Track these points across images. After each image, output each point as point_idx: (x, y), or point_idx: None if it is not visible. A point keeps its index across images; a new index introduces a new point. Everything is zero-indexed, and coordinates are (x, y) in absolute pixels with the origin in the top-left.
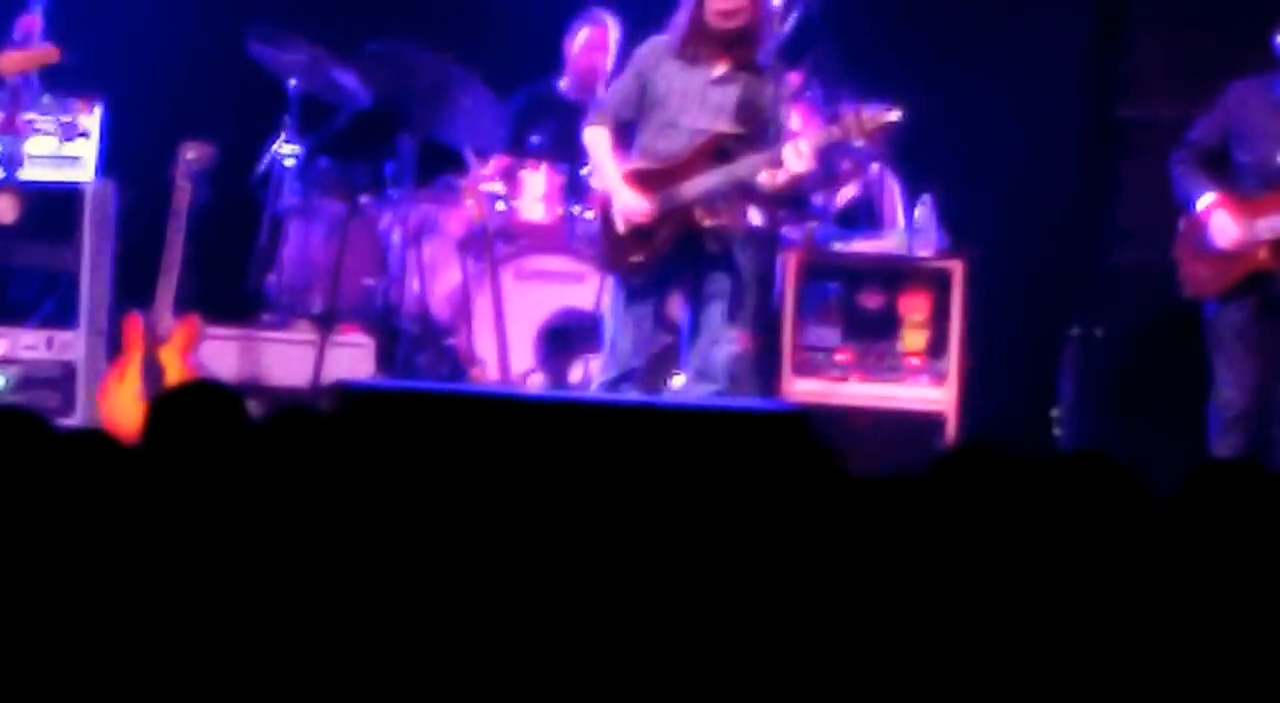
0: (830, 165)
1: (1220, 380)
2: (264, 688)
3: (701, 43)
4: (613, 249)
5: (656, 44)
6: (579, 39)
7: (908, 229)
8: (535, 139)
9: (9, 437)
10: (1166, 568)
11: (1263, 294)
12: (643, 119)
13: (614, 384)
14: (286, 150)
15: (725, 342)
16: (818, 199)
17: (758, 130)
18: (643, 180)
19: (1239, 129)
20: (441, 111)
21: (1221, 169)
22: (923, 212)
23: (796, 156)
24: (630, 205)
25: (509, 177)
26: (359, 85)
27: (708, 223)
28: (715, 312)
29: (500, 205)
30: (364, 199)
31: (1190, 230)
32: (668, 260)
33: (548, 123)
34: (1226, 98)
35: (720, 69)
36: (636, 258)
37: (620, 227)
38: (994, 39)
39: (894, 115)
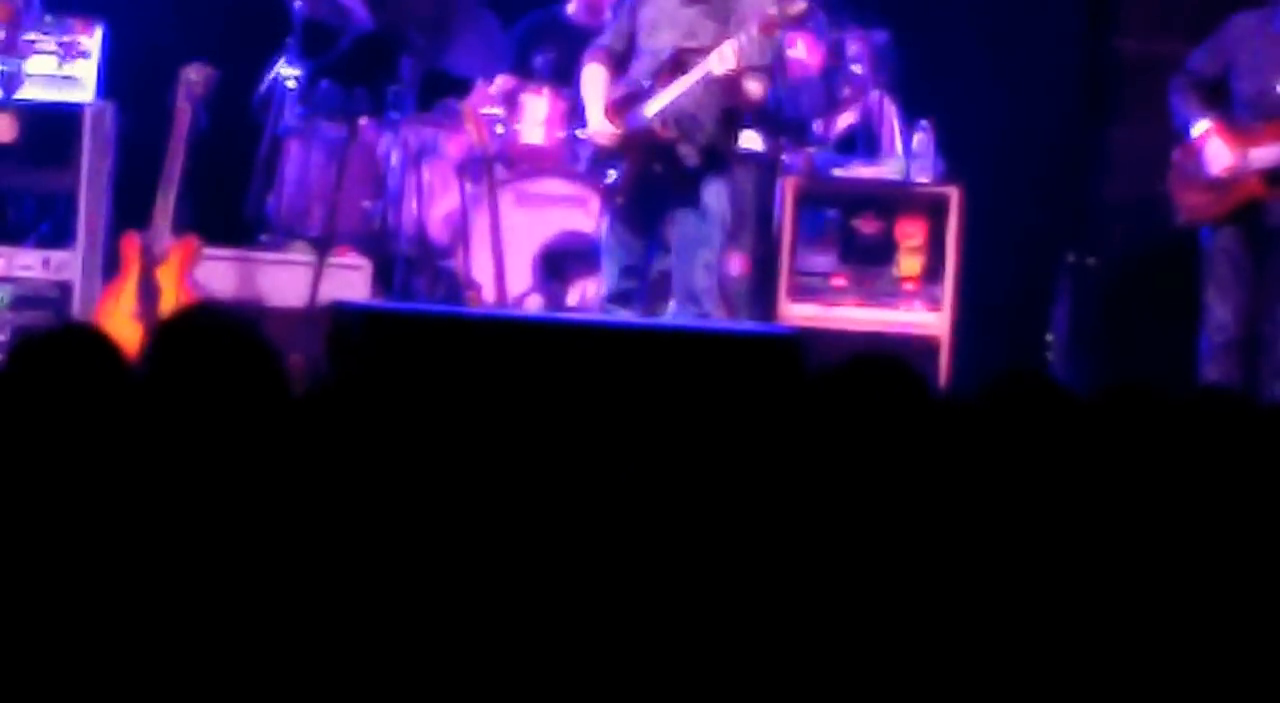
0: (830, 91)
1: (1211, 306)
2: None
3: None
4: (591, 176)
5: None
6: None
7: (905, 156)
8: (539, 63)
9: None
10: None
11: (1255, 223)
12: (636, 50)
13: (606, 306)
14: (288, 73)
15: (701, 261)
16: (816, 126)
17: (722, 42)
18: (619, 106)
19: (1238, 59)
20: (444, 36)
21: (1219, 98)
22: (921, 138)
23: (719, 60)
24: (597, 130)
25: (510, 100)
26: (362, 8)
27: (668, 137)
28: (689, 231)
29: (500, 129)
30: (364, 122)
31: (1185, 157)
32: (646, 182)
33: (552, 47)
34: (1227, 28)
35: None
36: (611, 180)
37: (594, 153)
38: None
39: (800, 6)
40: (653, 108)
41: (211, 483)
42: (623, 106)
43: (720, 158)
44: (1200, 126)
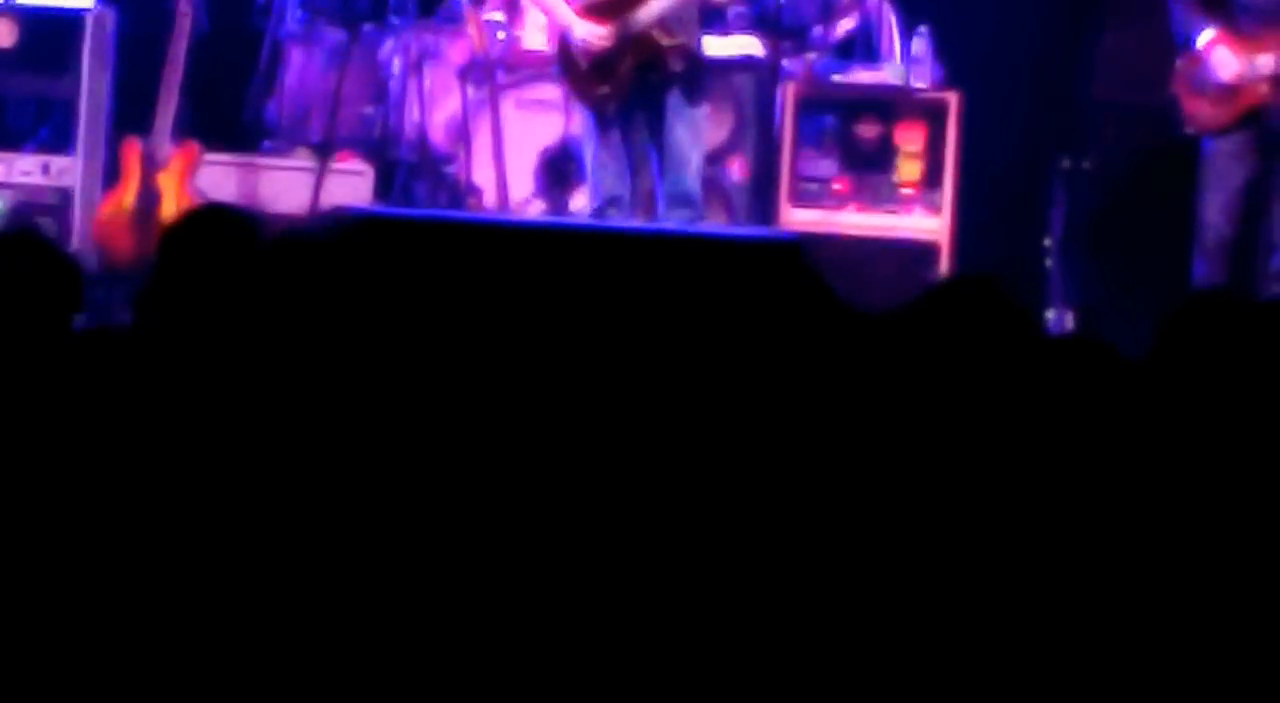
0: None
1: (1205, 206)
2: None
3: None
4: (578, 85)
5: None
6: None
7: (904, 61)
8: None
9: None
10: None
11: (1260, 127)
12: None
13: (598, 213)
14: None
15: (694, 165)
16: (816, 31)
17: None
18: (597, 11)
19: None
20: None
21: (1218, 5)
22: (919, 44)
23: None
24: (587, 34)
25: (511, 5)
26: None
27: (666, 43)
28: (681, 135)
29: (502, 34)
30: (366, 27)
31: (1190, 66)
32: (635, 88)
33: None
34: None
35: None
36: (603, 90)
37: (582, 61)
38: None
39: None
40: (650, 12)
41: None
42: (604, 12)
43: (698, 61)
44: (1206, 35)
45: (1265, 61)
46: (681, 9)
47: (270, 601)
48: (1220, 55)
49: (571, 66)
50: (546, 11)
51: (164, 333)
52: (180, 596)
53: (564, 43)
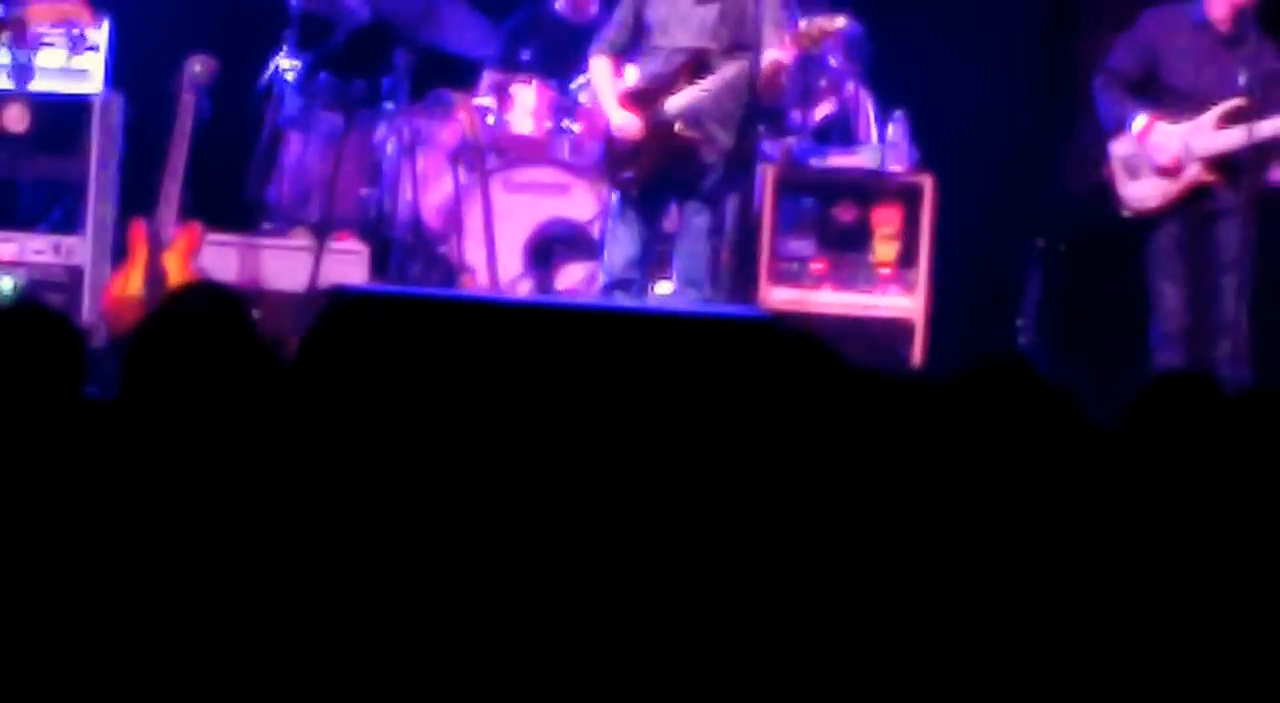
0: (807, 83)
1: (1161, 296)
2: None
3: None
4: (609, 166)
5: None
6: None
7: (881, 145)
8: (527, 55)
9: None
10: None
11: (1200, 209)
12: (639, 46)
13: (606, 292)
14: (287, 65)
15: (712, 254)
16: (795, 116)
17: (740, 44)
18: (634, 100)
19: (1164, 53)
20: (434, 28)
21: (1143, 94)
22: (895, 128)
23: (772, 55)
24: (620, 123)
25: (500, 91)
26: (358, 2)
27: (688, 136)
28: (698, 222)
29: (491, 119)
30: (361, 112)
31: (1125, 153)
32: (658, 174)
33: (540, 40)
34: (1144, 25)
35: None
36: (627, 173)
37: (614, 146)
38: None
39: (840, 22)
40: (675, 106)
41: (201, 465)
42: (640, 101)
43: (738, 158)
44: (1140, 121)
45: (1200, 143)
46: (712, 104)
47: (246, 675)
48: (1158, 139)
49: (608, 149)
50: (595, 95)
51: (148, 404)
52: (164, 661)
53: (605, 128)
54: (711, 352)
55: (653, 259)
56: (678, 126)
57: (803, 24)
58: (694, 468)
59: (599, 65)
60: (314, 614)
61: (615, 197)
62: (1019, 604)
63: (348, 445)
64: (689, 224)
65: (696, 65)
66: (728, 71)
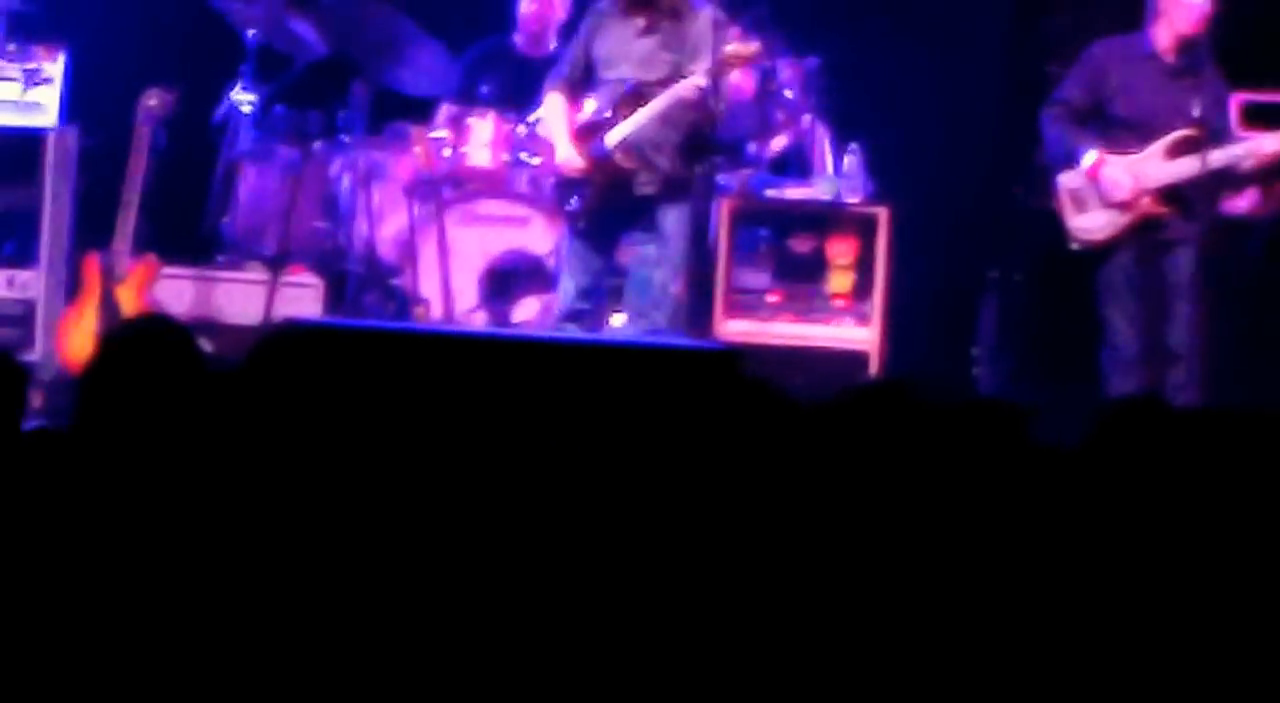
0: (764, 116)
1: (1113, 326)
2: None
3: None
4: (559, 199)
5: (597, 8)
6: None
7: (836, 177)
8: (485, 88)
9: None
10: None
11: (1152, 239)
12: (592, 79)
13: (559, 325)
14: (243, 98)
15: (660, 282)
16: (751, 148)
17: (681, 73)
18: (582, 134)
19: (1113, 86)
20: (391, 62)
21: (1091, 125)
22: (851, 160)
23: (691, 82)
24: (565, 157)
25: (457, 124)
26: (315, 36)
27: (627, 165)
28: (648, 254)
29: (447, 152)
30: (317, 146)
31: (1074, 186)
32: (607, 207)
33: (497, 74)
34: (1092, 57)
35: (643, 21)
36: (575, 205)
37: (560, 177)
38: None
39: (754, 48)
40: (613, 137)
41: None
42: (585, 136)
43: (678, 185)
44: (1091, 156)
45: (1151, 175)
46: (649, 133)
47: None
48: (1110, 174)
49: (558, 182)
50: (549, 131)
51: (99, 435)
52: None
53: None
54: (667, 383)
55: (606, 291)
56: (617, 157)
57: (725, 49)
58: (647, 497)
59: (552, 100)
60: (260, 639)
61: (566, 229)
62: (965, 623)
63: (299, 477)
64: (638, 256)
65: (636, 97)
66: (661, 100)
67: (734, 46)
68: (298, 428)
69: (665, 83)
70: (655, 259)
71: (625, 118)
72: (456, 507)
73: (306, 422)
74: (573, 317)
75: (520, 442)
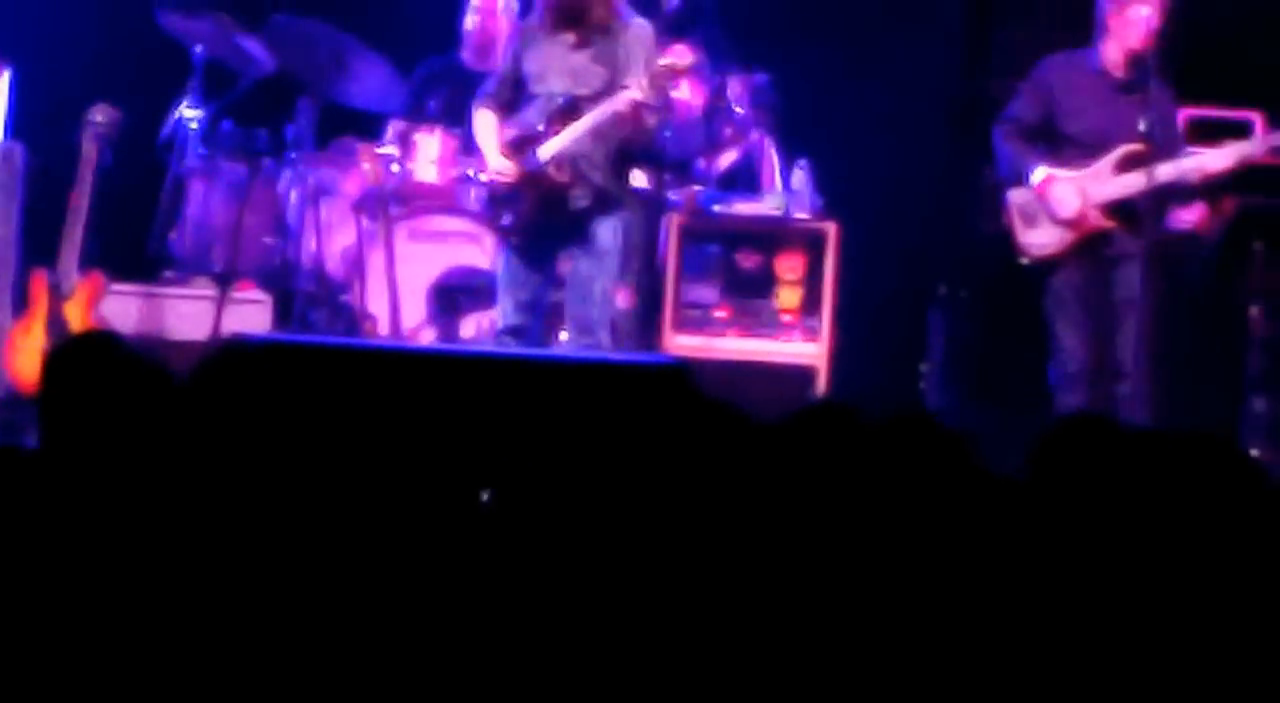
0: (712, 131)
1: (1062, 340)
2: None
3: (554, 15)
4: (489, 214)
5: (526, 25)
6: (471, 6)
7: (785, 193)
8: (435, 104)
9: None
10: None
11: (1100, 254)
12: (521, 96)
13: (500, 339)
14: (190, 114)
15: (595, 296)
16: (700, 164)
17: (614, 87)
18: (512, 147)
19: (1062, 103)
20: (339, 78)
21: (1041, 140)
22: (799, 176)
23: (627, 95)
24: (495, 168)
25: (404, 140)
26: (262, 52)
27: (560, 179)
28: (582, 267)
29: (395, 168)
30: (265, 162)
31: (1023, 202)
32: (543, 221)
33: (445, 90)
34: (1042, 73)
35: (573, 37)
36: (506, 220)
37: (491, 192)
38: (871, 12)
39: (688, 59)
40: (547, 151)
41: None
42: (517, 148)
43: (611, 198)
44: (1040, 173)
45: (1099, 190)
46: (582, 147)
47: None
48: (1058, 191)
49: (489, 197)
50: (479, 144)
51: (55, 453)
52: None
53: (480, 175)
54: (615, 398)
55: (546, 306)
56: (550, 170)
57: (661, 61)
58: (596, 512)
59: (483, 117)
60: (222, 654)
61: (499, 245)
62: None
63: (246, 493)
64: (573, 270)
65: (569, 111)
66: (594, 115)
67: (670, 58)
68: (244, 444)
69: (598, 97)
70: (592, 273)
71: (558, 132)
72: (406, 523)
73: (253, 438)
74: (512, 332)
75: (469, 458)
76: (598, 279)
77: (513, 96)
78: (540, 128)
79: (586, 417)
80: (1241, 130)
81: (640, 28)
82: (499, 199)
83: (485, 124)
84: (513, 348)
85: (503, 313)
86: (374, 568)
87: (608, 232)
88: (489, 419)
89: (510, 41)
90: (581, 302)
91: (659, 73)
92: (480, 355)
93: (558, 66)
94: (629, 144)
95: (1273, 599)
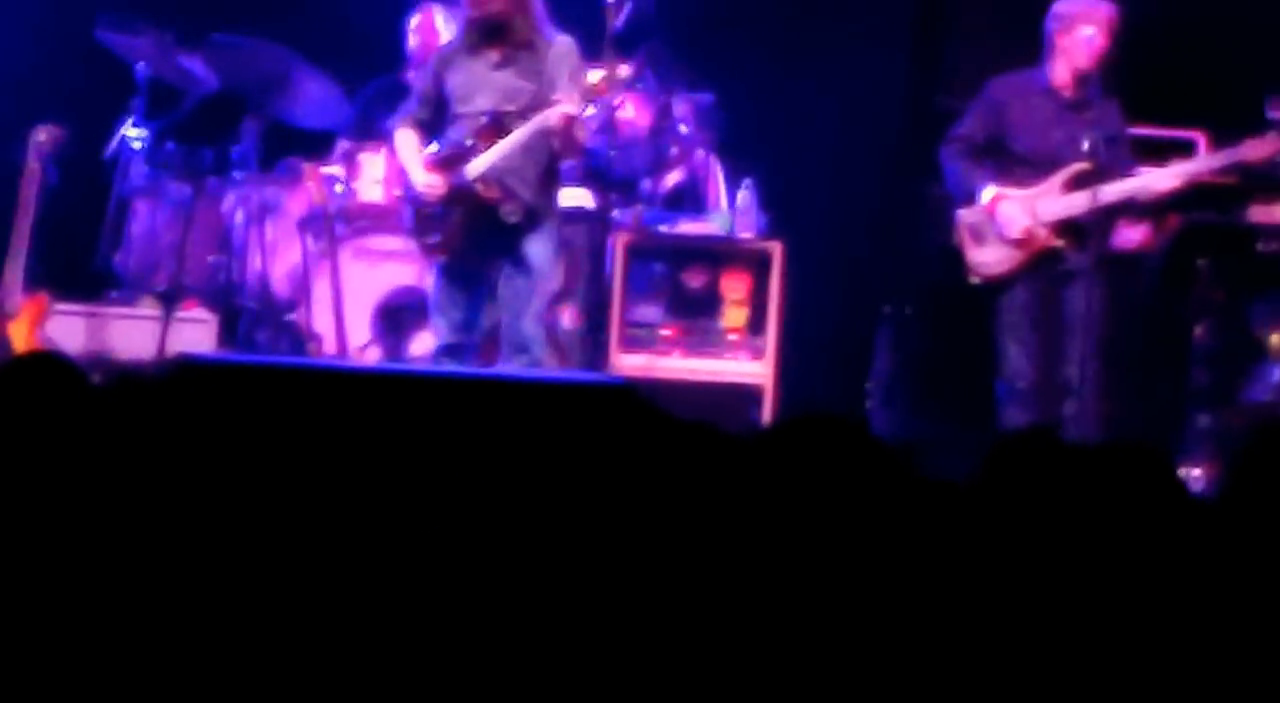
0: (658, 151)
1: (1009, 357)
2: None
3: (475, 34)
4: (416, 232)
5: (446, 45)
6: (411, 27)
7: (730, 212)
8: (379, 125)
9: None
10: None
11: (1049, 272)
12: (443, 116)
13: (438, 359)
14: (134, 133)
15: (529, 312)
16: (645, 183)
17: (541, 103)
18: (437, 164)
19: (1011, 120)
20: (283, 96)
21: (990, 160)
22: (744, 195)
23: (559, 110)
24: (425, 182)
25: (350, 160)
26: (206, 71)
27: (490, 197)
28: (519, 284)
29: (340, 187)
30: (210, 181)
31: (973, 221)
32: (473, 238)
33: (391, 109)
34: (990, 94)
35: (497, 55)
36: (434, 238)
37: (419, 210)
38: (817, 33)
39: (624, 71)
40: (475, 168)
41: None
42: (444, 165)
43: (541, 214)
44: (989, 192)
45: (1047, 209)
46: (511, 164)
47: None
48: (1007, 210)
49: (414, 216)
50: (402, 162)
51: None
52: None
53: (409, 194)
54: (562, 417)
55: (482, 324)
56: (479, 187)
57: (590, 75)
58: (542, 530)
59: (403, 136)
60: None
61: (430, 264)
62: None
63: (193, 511)
64: (506, 288)
65: (496, 128)
66: (524, 130)
67: (601, 72)
68: (191, 463)
69: (526, 113)
70: (525, 290)
71: (487, 148)
72: (350, 541)
73: (200, 457)
74: (449, 352)
75: (416, 477)
76: (531, 296)
77: (433, 117)
78: (468, 145)
79: (535, 436)
80: (1185, 149)
81: (564, 44)
82: (425, 217)
83: (406, 142)
84: (453, 367)
85: (437, 332)
86: (324, 585)
87: (538, 248)
88: (437, 439)
89: (429, 62)
90: (516, 320)
91: (593, 86)
92: (427, 375)
93: (483, 84)
94: (557, 160)
95: (1192, 602)
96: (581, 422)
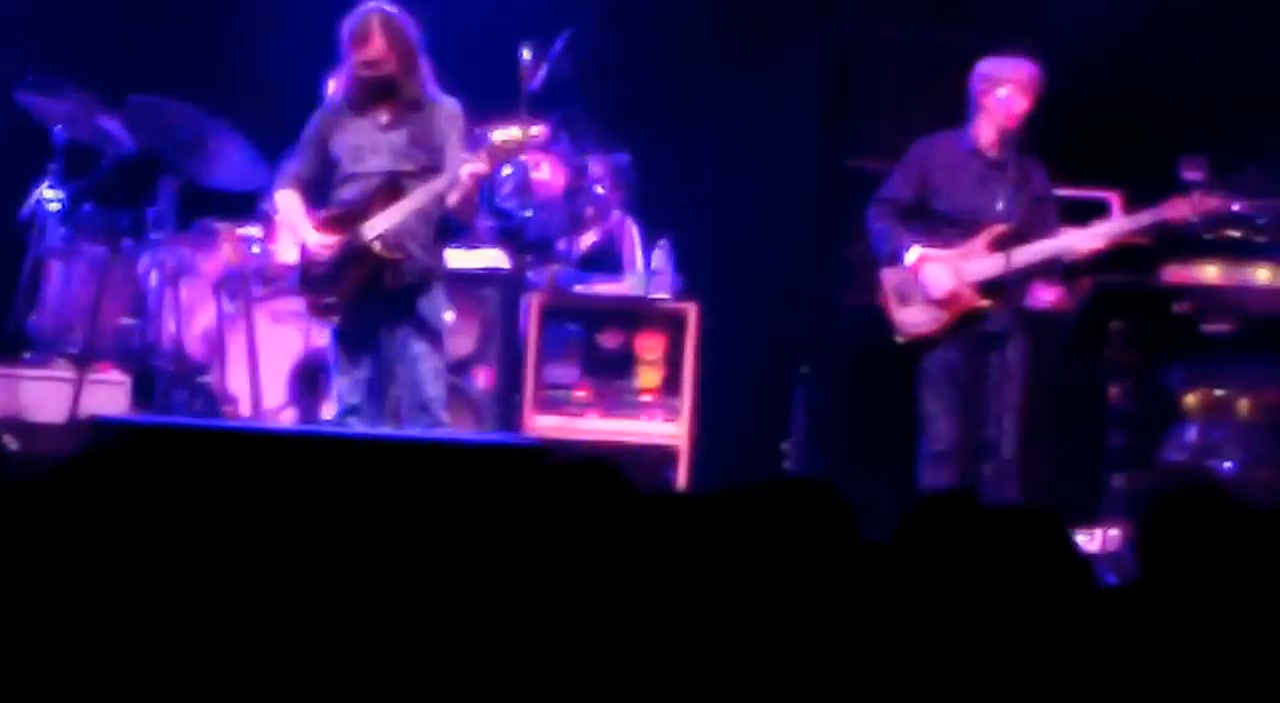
0: (574, 211)
1: (932, 417)
2: None
3: (362, 95)
4: (308, 295)
5: (330, 105)
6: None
7: (646, 273)
8: None
9: None
10: (877, 599)
11: (972, 332)
12: (330, 176)
13: (339, 421)
14: (50, 195)
15: (427, 372)
16: (560, 244)
17: (433, 164)
18: (330, 225)
19: (937, 181)
20: (201, 158)
21: (916, 221)
22: (660, 256)
23: (469, 171)
24: (314, 242)
25: (267, 221)
26: (123, 132)
27: (389, 257)
28: (416, 345)
29: (256, 249)
30: (125, 242)
31: (898, 281)
32: (367, 299)
33: None
34: (917, 154)
35: (386, 115)
36: (329, 300)
37: (311, 270)
38: (732, 94)
39: (535, 130)
40: (374, 228)
41: None
42: (336, 224)
43: (433, 275)
44: (914, 253)
45: (972, 269)
46: (408, 225)
47: None
48: (932, 271)
49: (304, 278)
50: (289, 223)
51: None
52: None
53: (302, 256)
54: (476, 478)
55: (380, 385)
56: (377, 248)
57: (499, 134)
58: (456, 592)
59: (284, 197)
60: None
61: (331, 327)
62: None
63: (109, 573)
64: (402, 350)
65: (392, 188)
66: (419, 194)
67: (506, 131)
68: (105, 525)
69: (421, 174)
70: (422, 351)
71: (382, 209)
72: (265, 604)
73: (115, 521)
74: (353, 412)
75: (330, 539)
76: (428, 357)
77: (316, 176)
78: (362, 206)
79: (450, 497)
80: (1100, 210)
81: (450, 105)
82: (317, 278)
83: (291, 203)
84: (362, 429)
85: (339, 394)
86: (241, 645)
87: (432, 308)
88: (352, 501)
89: (312, 120)
90: (416, 381)
91: (506, 144)
92: (343, 437)
93: (375, 145)
94: (447, 221)
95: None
96: (496, 483)
